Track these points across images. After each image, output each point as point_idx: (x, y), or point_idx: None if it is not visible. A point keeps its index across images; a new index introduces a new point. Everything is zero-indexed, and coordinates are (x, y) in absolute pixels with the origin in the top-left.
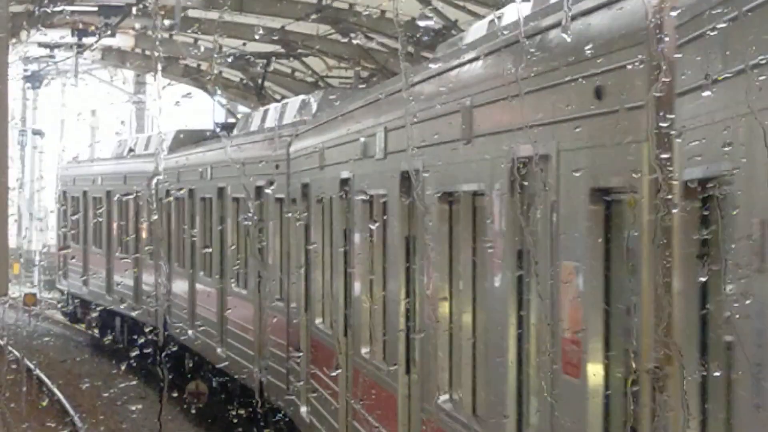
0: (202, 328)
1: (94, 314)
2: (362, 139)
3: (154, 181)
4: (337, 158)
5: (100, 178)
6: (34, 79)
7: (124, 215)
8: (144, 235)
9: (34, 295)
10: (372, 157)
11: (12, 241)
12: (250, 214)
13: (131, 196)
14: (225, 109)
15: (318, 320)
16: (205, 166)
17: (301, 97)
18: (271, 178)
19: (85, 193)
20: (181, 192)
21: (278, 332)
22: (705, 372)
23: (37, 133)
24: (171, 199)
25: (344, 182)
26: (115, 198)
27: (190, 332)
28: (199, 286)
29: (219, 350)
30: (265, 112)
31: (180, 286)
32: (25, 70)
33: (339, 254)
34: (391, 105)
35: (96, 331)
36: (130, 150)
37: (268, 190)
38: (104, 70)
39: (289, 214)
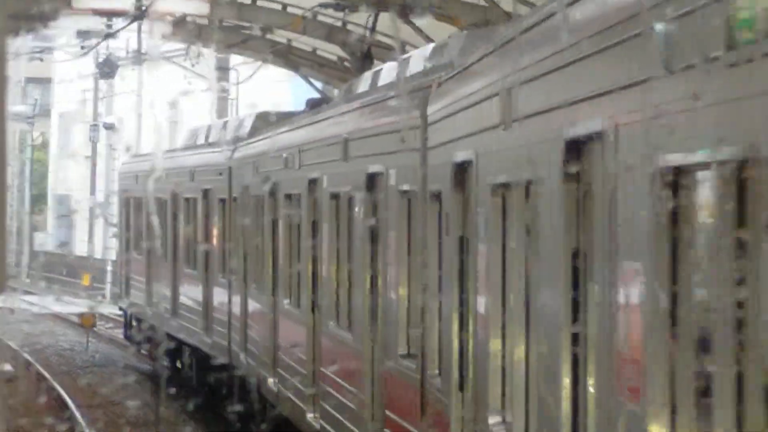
0: (288, 378)
1: (160, 341)
2: None
3: (225, 173)
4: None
5: (164, 174)
6: (106, 68)
7: (191, 220)
8: (215, 244)
9: (93, 315)
10: None
11: (83, 248)
12: (362, 218)
13: (199, 196)
14: (320, 93)
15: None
16: (290, 150)
17: (430, 45)
18: (391, 159)
19: (142, 194)
20: (263, 187)
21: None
22: None
23: (108, 127)
24: (244, 196)
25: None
26: (181, 198)
27: (270, 381)
28: (285, 321)
29: (310, 416)
30: (376, 73)
31: (260, 316)
32: (82, 47)
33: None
34: None
35: (162, 362)
36: (206, 139)
37: (390, 180)
38: (184, 57)
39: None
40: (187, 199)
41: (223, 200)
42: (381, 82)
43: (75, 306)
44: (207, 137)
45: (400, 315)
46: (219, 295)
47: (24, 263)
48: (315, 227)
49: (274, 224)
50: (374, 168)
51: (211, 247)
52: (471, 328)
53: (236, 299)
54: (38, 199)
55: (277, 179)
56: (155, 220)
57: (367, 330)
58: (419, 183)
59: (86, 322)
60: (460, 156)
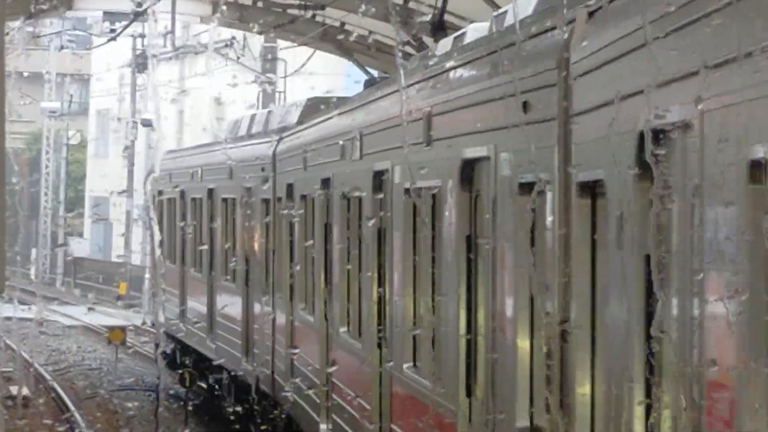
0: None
1: (194, 364)
2: None
3: (268, 169)
4: None
5: (200, 171)
6: (143, 62)
7: (230, 224)
8: (257, 254)
9: (122, 330)
10: None
11: (121, 254)
12: (457, 222)
13: (238, 196)
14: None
15: None
16: (350, 135)
17: None
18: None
19: (182, 193)
20: (313, 185)
21: None
22: None
23: (147, 124)
24: (291, 195)
25: None
26: (219, 198)
27: (323, 428)
28: (341, 355)
29: None
30: (458, 38)
31: (310, 345)
32: (113, 30)
33: None
34: None
35: (197, 387)
36: (248, 131)
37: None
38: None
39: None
40: (225, 200)
41: (266, 201)
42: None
43: (108, 317)
44: (249, 129)
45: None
46: (261, 315)
47: (59, 270)
48: (383, 236)
49: (327, 231)
50: (475, 152)
51: (252, 257)
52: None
53: (281, 321)
54: (76, 202)
55: (331, 173)
56: (189, 225)
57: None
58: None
59: (115, 338)
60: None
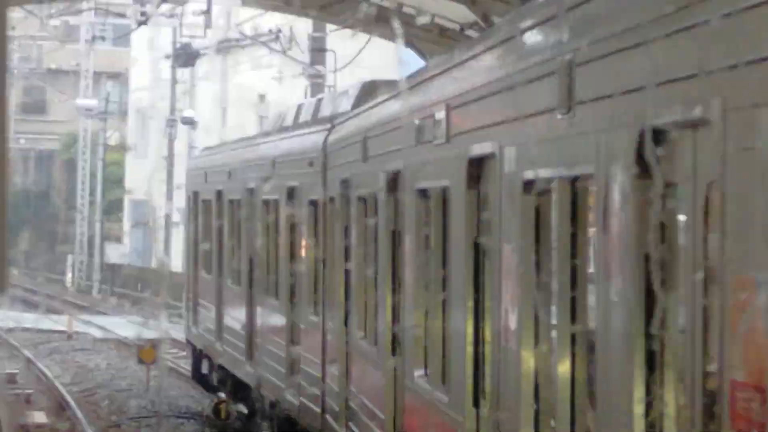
0: None
1: (233, 390)
2: None
3: (317, 163)
4: None
5: (238, 168)
6: (183, 56)
7: (271, 230)
8: (304, 267)
9: (153, 348)
10: None
11: (155, 262)
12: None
13: (281, 197)
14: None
15: None
16: (430, 111)
17: None
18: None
19: (219, 194)
20: (375, 181)
21: None
22: None
23: (187, 122)
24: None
25: None
26: (260, 200)
27: None
28: (413, 401)
29: None
30: None
31: (369, 382)
32: (143, 14)
33: None
34: None
35: (237, 415)
36: (294, 122)
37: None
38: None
39: None
40: (266, 203)
41: (313, 202)
42: None
43: (145, 329)
44: (296, 119)
45: None
46: (309, 340)
47: (95, 277)
48: (484, 251)
49: (396, 240)
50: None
51: (298, 271)
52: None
53: (334, 349)
54: (115, 206)
55: (402, 164)
56: (225, 230)
57: None
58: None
59: (146, 358)
60: None
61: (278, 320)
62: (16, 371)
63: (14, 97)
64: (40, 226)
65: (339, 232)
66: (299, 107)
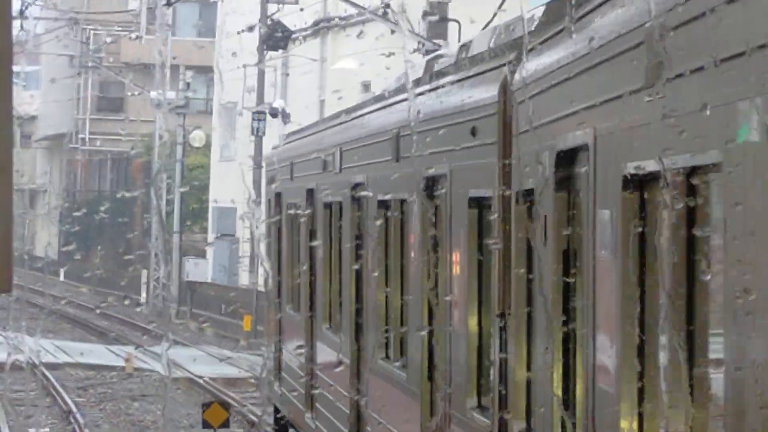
0: None
1: None
2: None
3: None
4: None
5: (338, 155)
6: (273, 37)
7: (395, 252)
8: (461, 321)
9: (226, 407)
10: None
11: (244, 278)
12: None
13: (415, 195)
14: None
15: None
16: None
17: None
18: None
19: (310, 195)
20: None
21: None
22: None
23: (276, 113)
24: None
25: None
26: (373, 203)
27: None
28: None
29: None
30: None
31: None
32: None
33: None
34: None
35: None
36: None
37: None
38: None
39: None
40: (384, 205)
41: (480, 202)
42: None
43: (224, 366)
44: (429, 71)
45: None
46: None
47: (173, 297)
48: None
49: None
50: None
51: (447, 326)
52: None
53: None
54: (199, 215)
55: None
56: (320, 250)
57: None
58: None
59: (214, 420)
60: None
61: (410, 407)
62: None
63: (89, 94)
64: (116, 237)
65: (555, 257)
66: (433, 60)
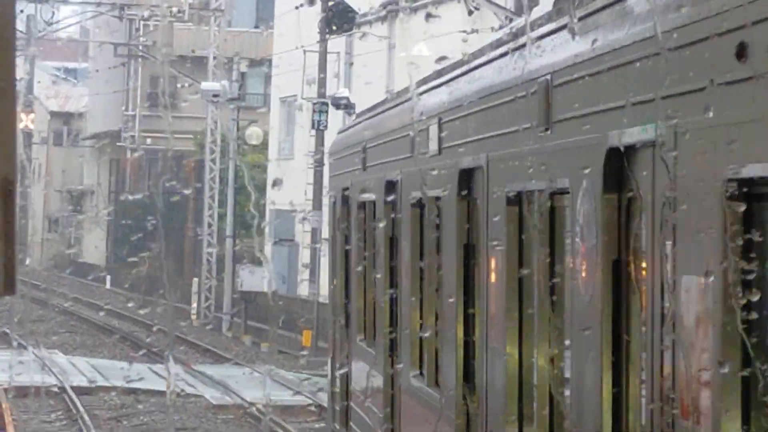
0: None
1: None
2: None
3: None
4: None
5: (434, 130)
6: (336, 20)
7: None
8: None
9: None
10: None
11: (304, 288)
12: None
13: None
14: None
15: None
16: None
17: None
18: None
19: (391, 188)
20: None
21: None
22: None
23: (339, 104)
24: None
25: None
26: (504, 198)
27: None
28: None
29: None
30: None
31: None
32: None
33: None
34: None
35: None
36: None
37: None
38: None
39: None
40: (518, 200)
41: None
42: None
43: (280, 389)
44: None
45: None
46: None
47: (226, 308)
48: None
49: None
50: None
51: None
52: None
53: None
54: (256, 218)
55: None
56: (408, 265)
57: None
58: None
59: None
60: None
61: None
62: None
63: (139, 88)
64: (166, 242)
65: None
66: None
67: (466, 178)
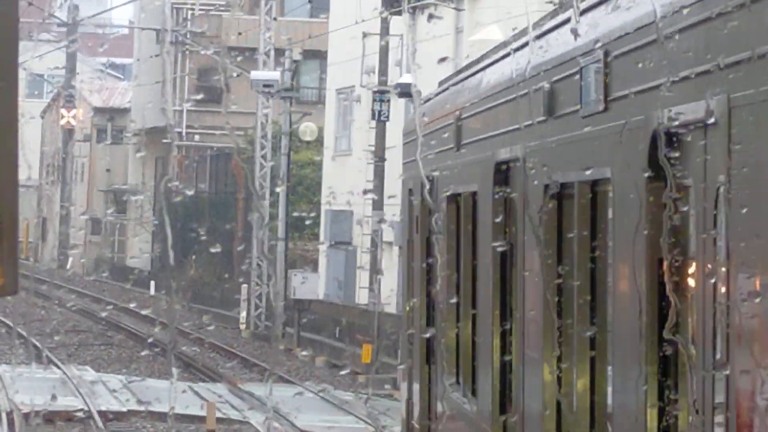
0: None
1: None
2: None
3: None
4: None
5: (591, 74)
6: None
7: None
8: None
9: None
10: None
11: (363, 296)
12: None
13: None
14: None
15: None
16: None
17: None
18: None
19: (503, 173)
20: None
21: None
22: None
23: (404, 92)
24: None
25: None
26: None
27: None
28: None
29: None
30: None
31: None
32: None
33: None
34: None
35: None
36: None
37: None
38: None
39: None
40: None
41: None
42: None
43: (338, 414)
44: None
45: None
46: None
47: (278, 316)
48: None
49: None
50: None
51: None
52: None
53: None
54: (310, 219)
55: None
56: (534, 292)
57: None
58: None
59: None
60: None
61: None
62: None
63: (186, 82)
64: (214, 245)
65: None
66: None
67: (662, 145)
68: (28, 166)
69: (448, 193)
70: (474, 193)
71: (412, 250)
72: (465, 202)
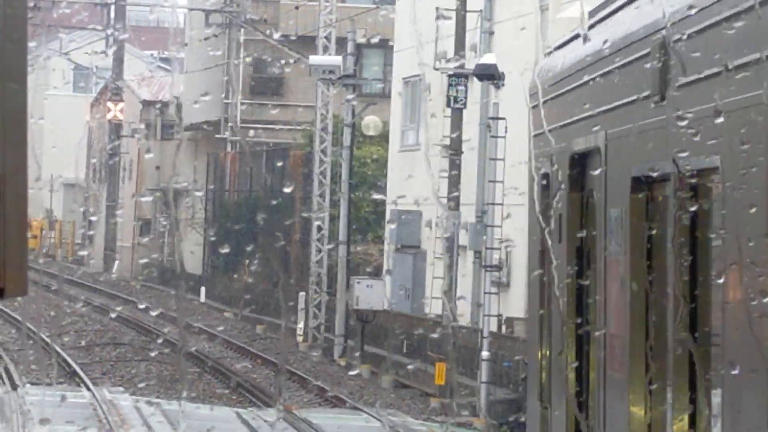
0: None
1: None
2: None
3: None
4: None
5: None
6: None
7: None
8: None
9: None
10: None
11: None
12: None
13: None
14: None
15: None
16: None
17: None
18: None
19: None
20: None
21: None
22: None
23: (486, 74)
24: None
25: None
26: None
27: None
28: None
29: None
30: None
31: None
32: None
33: None
34: None
35: None
36: None
37: None
38: None
39: None
40: None
41: None
42: None
43: None
44: None
45: None
46: None
47: (338, 329)
48: None
49: None
50: None
51: None
52: None
53: None
54: (374, 221)
55: None
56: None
57: None
58: None
59: None
60: None
61: None
62: None
63: (241, 74)
64: (270, 249)
65: None
66: None
67: None
68: (75, 163)
69: (635, 174)
70: (666, 176)
71: (546, 251)
72: (675, 190)
